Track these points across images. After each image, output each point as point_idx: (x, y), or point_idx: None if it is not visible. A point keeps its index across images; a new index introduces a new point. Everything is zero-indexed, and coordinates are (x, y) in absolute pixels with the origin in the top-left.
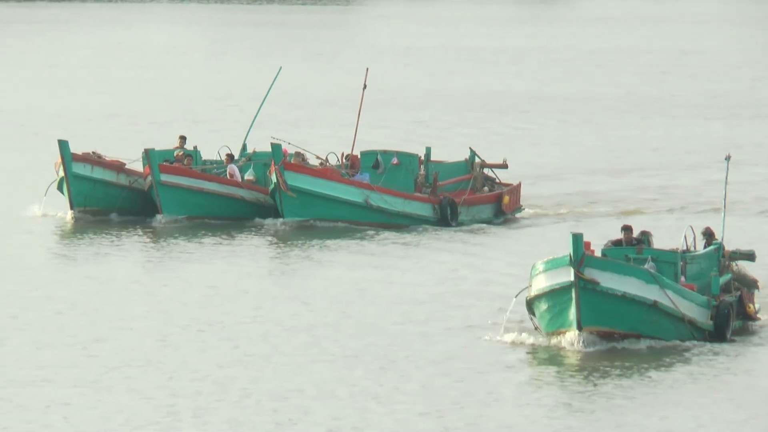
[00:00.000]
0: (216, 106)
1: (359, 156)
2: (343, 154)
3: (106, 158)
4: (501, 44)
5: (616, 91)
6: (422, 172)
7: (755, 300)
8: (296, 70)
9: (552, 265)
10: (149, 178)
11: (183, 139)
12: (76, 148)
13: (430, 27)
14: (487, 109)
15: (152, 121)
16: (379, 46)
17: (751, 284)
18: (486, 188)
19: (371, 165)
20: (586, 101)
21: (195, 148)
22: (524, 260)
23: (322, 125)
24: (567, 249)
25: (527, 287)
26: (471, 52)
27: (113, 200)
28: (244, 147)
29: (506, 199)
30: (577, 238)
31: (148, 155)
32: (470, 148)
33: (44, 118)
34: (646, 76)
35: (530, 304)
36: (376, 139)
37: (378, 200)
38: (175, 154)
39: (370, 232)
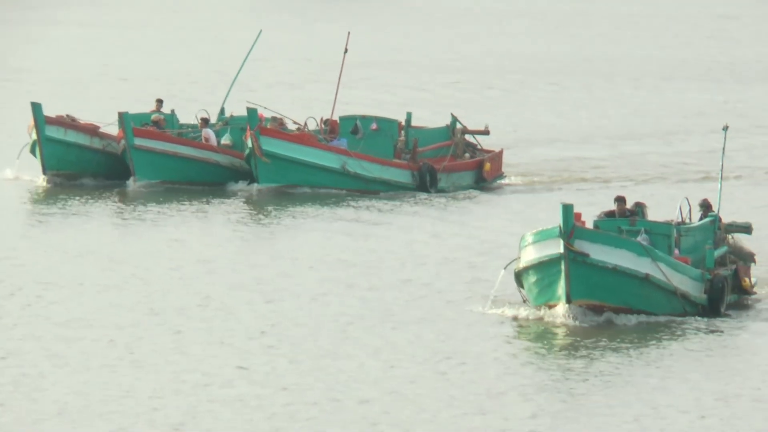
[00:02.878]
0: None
1: (338, 121)
2: (322, 119)
3: (80, 121)
4: (509, 7)
5: (613, 55)
6: (402, 137)
7: (751, 274)
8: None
9: (541, 236)
10: (123, 141)
11: (160, 102)
12: (65, 111)
13: None
14: (471, 74)
15: (171, 83)
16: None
17: (747, 257)
18: (467, 155)
19: (350, 130)
20: (579, 65)
21: (172, 111)
22: (507, 229)
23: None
24: (555, 219)
25: (516, 259)
26: (477, 15)
27: (86, 164)
28: (222, 111)
29: (487, 166)
30: (567, 209)
31: (122, 118)
32: (452, 113)
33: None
34: (655, 40)
35: (519, 276)
36: (361, 103)
37: (355, 166)
38: (152, 118)
39: (348, 199)
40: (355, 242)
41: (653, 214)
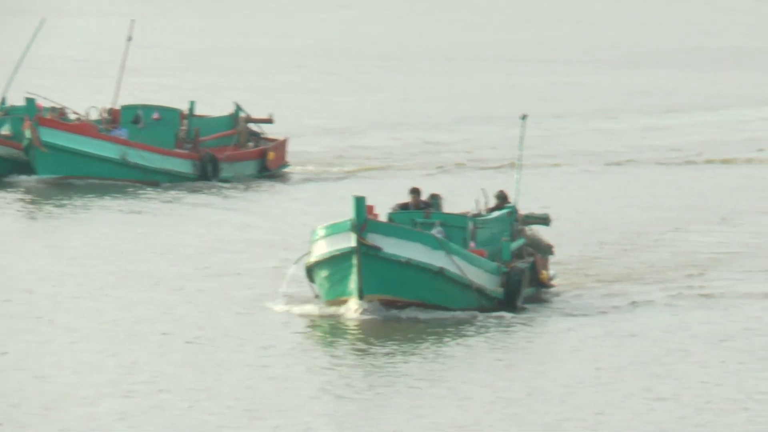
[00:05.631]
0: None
1: (120, 110)
2: (104, 109)
3: None
4: None
5: (413, 38)
6: (184, 126)
7: (549, 266)
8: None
9: (333, 230)
10: None
11: None
12: None
13: None
14: (262, 61)
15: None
16: None
17: (545, 249)
18: (251, 143)
19: (131, 120)
20: (376, 50)
21: None
22: (294, 220)
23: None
24: (347, 212)
25: (307, 253)
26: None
27: None
28: (3, 101)
29: (271, 155)
30: (359, 202)
31: None
32: (235, 102)
33: None
34: (463, 24)
35: (310, 271)
36: (149, 92)
37: (136, 156)
38: None
39: (128, 190)
40: (134, 235)
41: (450, 206)
